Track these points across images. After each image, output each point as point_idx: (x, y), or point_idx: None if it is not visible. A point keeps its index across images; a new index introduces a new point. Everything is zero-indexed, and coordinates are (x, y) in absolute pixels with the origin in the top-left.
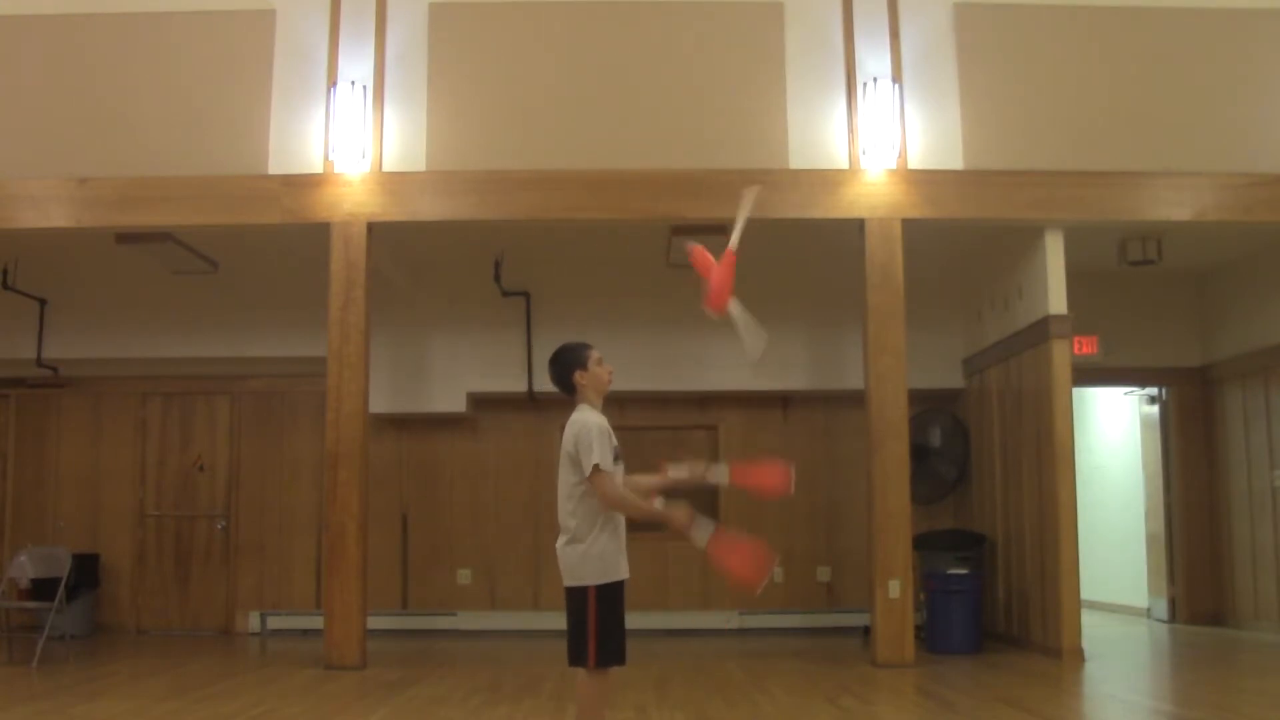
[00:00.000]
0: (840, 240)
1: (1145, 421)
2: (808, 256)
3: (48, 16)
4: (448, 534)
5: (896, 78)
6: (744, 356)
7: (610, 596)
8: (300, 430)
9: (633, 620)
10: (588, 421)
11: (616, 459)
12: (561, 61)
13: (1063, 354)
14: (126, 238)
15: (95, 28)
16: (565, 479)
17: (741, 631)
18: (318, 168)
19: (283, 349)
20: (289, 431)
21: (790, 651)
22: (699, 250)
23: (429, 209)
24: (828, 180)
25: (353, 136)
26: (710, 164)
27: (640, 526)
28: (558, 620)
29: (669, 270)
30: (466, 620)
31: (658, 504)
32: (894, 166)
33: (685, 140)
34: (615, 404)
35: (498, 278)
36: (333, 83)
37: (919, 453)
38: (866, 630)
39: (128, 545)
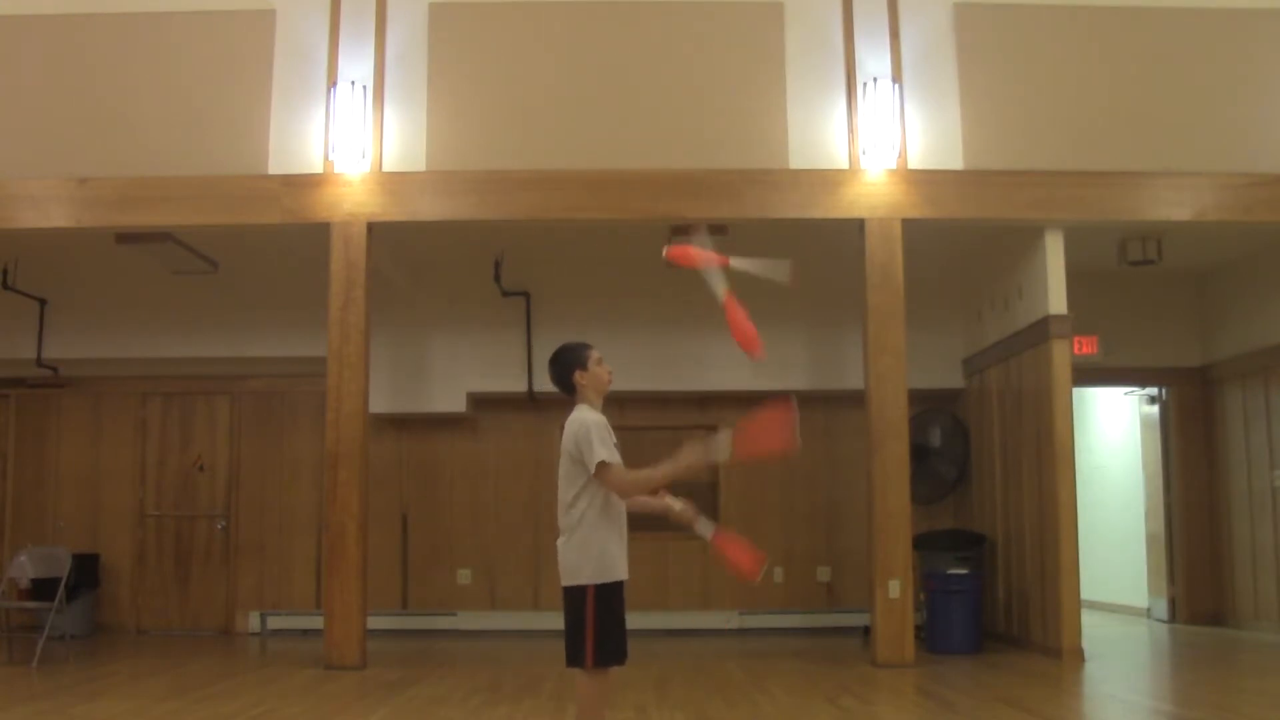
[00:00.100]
0: (840, 240)
1: (1145, 421)
2: (808, 256)
3: (48, 16)
4: (448, 534)
5: (896, 78)
6: (780, 282)
7: (608, 596)
8: (300, 430)
9: (633, 620)
10: (585, 420)
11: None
12: (561, 61)
13: (1063, 354)
14: (126, 238)
15: (95, 28)
16: (565, 478)
17: (741, 631)
18: (318, 168)
19: (283, 349)
20: (289, 431)
21: (790, 651)
22: (678, 250)
23: (429, 209)
24: (828, 180)
25: (353, 136)
26: (710, 164)
27: (640, 526)
28: (558, 620)
29: (669, 270)
30: (466, 620)
31: (669, 461)
32: (894, 166)
33: (685, 140)
34: (615, 404)
35: (498, 278)
36: (333, 83)
37: (919, 453)
38: (866, 630)
39: (128, 545)
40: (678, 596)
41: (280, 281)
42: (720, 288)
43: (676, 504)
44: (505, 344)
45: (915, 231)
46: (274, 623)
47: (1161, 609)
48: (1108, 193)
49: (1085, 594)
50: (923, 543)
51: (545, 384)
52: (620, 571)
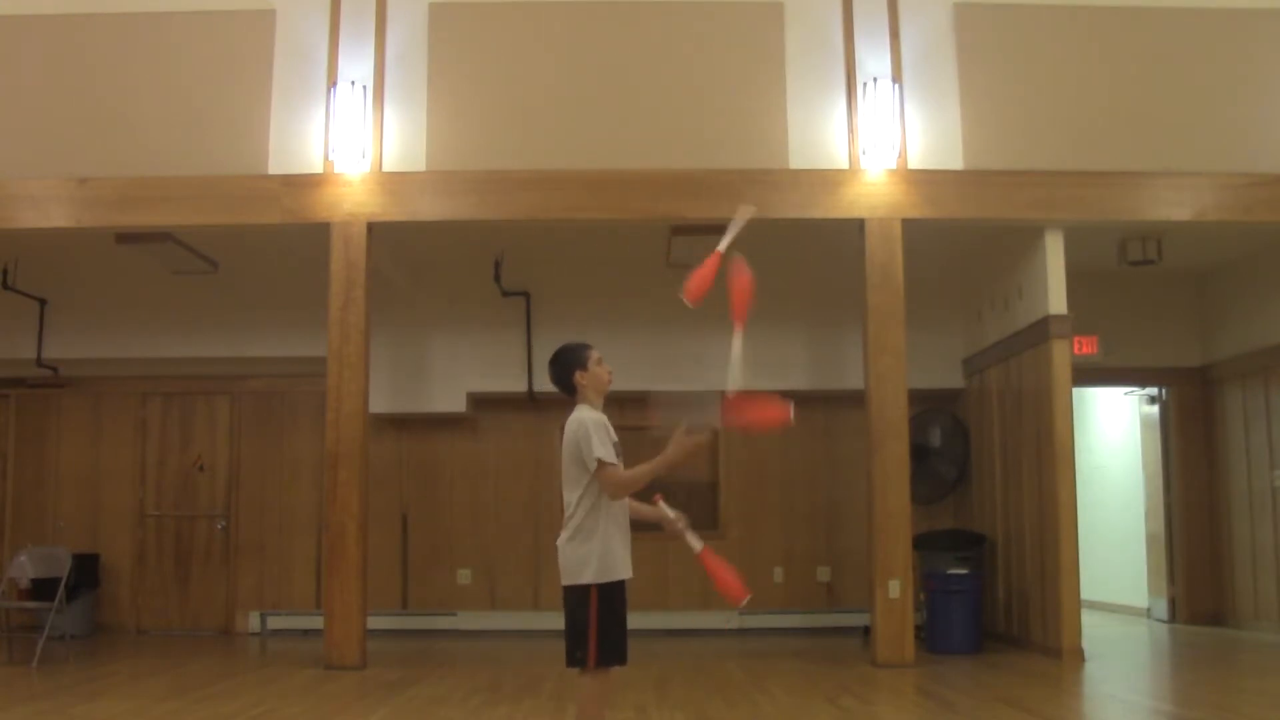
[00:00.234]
0: (840, 240)
1: (1145, 421)
2: (808, 256)
3: (48, 16)
4: (448, 534)
5: (896, 78)
6: (747, 218)
7: (610, 596)
8: (300, 430)
9: (633, 620)
10: (584, 419)
11: (617, 455)
12: (561, 61)
13: (1063, 354)
14: (126, 238)
15: (95, 28)
16: (568, 477)
17: (741, 631)
18: (318, 168)
19: (283, 349)
20: (289, 431)
21: (790, 651)
22: (692, 287)
23: (429, 209)
24: (828, 180)
25: (353, 136)
26: (710, 164)
27: (640, 527)
28: (558, 620)
29: (669, 270)
30: (466, 620)
31: (659, 460)
32: (894, 166)
33: (685, 140)
34: (615, 404)
35: (498, 278)
36: (333, 83)
37: (919, 453)
38: (866, 630)
39: (128, 545)
40: (678, 596)
41: (280, 281)
42: (697, 544)
43: (671, 513)
44: (505, 344)
45: (915, 231)
46: (274, 623)
47: (1161, 609)
48: (1108, 193)
49: (1085, 594)
50: (923, 543)
51: (545, 384)
52: (622, 571)
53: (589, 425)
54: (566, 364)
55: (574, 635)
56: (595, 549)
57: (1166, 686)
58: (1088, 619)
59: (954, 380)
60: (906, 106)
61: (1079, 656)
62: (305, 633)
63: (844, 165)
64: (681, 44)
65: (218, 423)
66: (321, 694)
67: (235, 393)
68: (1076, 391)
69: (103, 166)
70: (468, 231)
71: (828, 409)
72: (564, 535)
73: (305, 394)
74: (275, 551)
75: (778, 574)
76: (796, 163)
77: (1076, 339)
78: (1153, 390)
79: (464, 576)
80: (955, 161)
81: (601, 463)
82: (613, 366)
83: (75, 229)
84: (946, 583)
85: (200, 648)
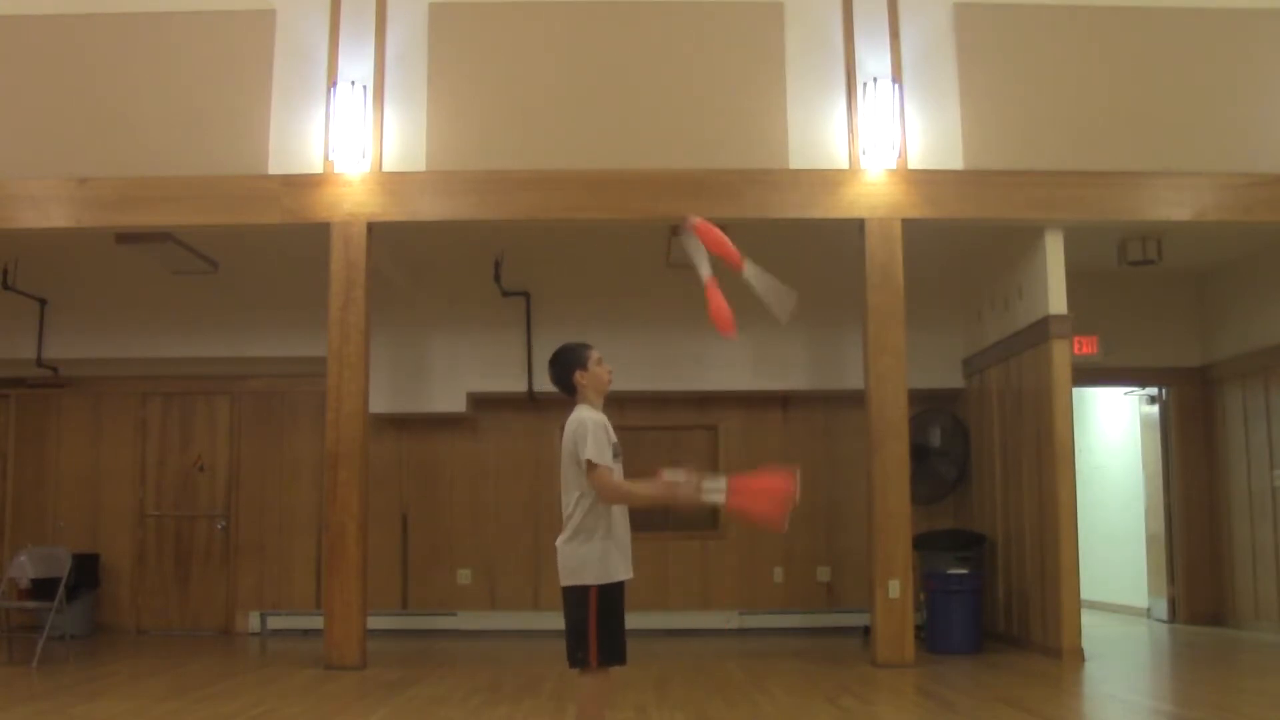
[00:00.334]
0: (840, 240)
1: (1145, 421)
2: (808, 256)
3: (48, 16)
4: (448, 534)
5: (896, 78)
6: (776, 318)
7: (609, 596)
8: (300, 430)
9: (633, 620)
10: (584, 419)
11: (615, 455)
12: (561, 61)
13: (1063, 354)
14: (126, 238)
15: (95, 28)
16: (567, 477)
17: (741, 631)
18: (318, 168)
19: (283, 349)
20: (289, 431)
21: (790, 651)
22: (705, 226)
23: (429, 209)
24: (828, 180)
25: (353, 136)
26: (710, 164)
27: (642, 526)
28: (558, 620)
29: (669, 270)
30: (466, 620)
31: (659, 483)
32: (894, 166)
33: (685, 140)
34: (615, 404)
35: (498, 278)
36: (333, 83)
37: (919, 453)
38: (866, 630)
39: (128, 545)
40: (678, 596)
41: (280, 281)
42: (706, 270)
43: (678, 475)
44: (505, 344)
45: (915, 231)
46: (274, 623)
47: (1161, 609)
48: (1108, 193)
49: (1085, 594)
50: (923, 543)
51: (545, 384)
52: (622, 572)
53: (588, 425)
54: (566, 364)
55: (575, 636)
56: (595, 550)
57: (1166, 686)
58: (1088, 619)
59: (954, 380)
60: (906, 106)
61: (1079, 656)
62: (305, 633)
63: (844, 165)
64: (681, 44)
65: (218, 423)
66: (321, 694)
67: (235, 393)
68: (1076, 391)
69: (103, 166)
70: (468, 231)
71: (828, 409)
72: (563, 536)
73: (305, 394)
74: (275, 551)
75: (778, 574)
76: (796, 163)
77: (1076, 339)
78: (1153, 390)
79: (464, 576)
80: (955, 161)
81: (591, 464)
82: (613, 366)
83: (75, 229)
84: (946, 583)
85: (200, 648)
